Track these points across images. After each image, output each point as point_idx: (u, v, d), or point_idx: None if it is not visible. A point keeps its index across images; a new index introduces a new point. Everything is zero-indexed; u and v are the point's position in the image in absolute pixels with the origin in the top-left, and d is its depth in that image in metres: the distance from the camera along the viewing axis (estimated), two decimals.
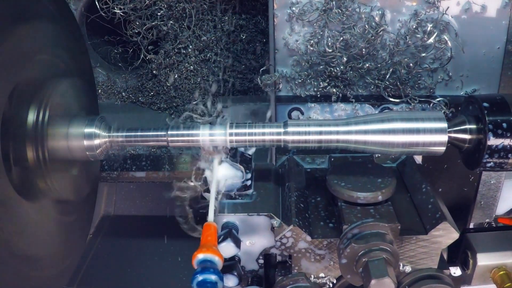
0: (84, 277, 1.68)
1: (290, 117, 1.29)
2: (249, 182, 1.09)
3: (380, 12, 1.22)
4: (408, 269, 1.03)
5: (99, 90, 1.78)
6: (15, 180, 0.94)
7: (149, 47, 1.68)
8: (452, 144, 1.02)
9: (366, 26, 1.22)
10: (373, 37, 1.21)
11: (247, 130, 1.01)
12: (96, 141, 1.06)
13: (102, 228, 1.92)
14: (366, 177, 1.05)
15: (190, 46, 1.64)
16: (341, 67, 1.24)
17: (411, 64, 1.25)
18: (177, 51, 1.66)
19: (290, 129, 1.00)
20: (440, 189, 1.43)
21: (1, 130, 0.89)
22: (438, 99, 1.27)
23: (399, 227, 0.97)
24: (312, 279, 1.04)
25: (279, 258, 1.08)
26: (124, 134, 1.06)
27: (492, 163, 1.00)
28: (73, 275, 1.24)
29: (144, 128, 1.03)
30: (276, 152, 1.24)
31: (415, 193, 1.11)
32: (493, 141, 0.97)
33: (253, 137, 1.01)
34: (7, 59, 0.91)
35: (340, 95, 1.28)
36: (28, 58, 0.99)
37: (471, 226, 1.53)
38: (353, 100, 1.27)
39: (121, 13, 1.58)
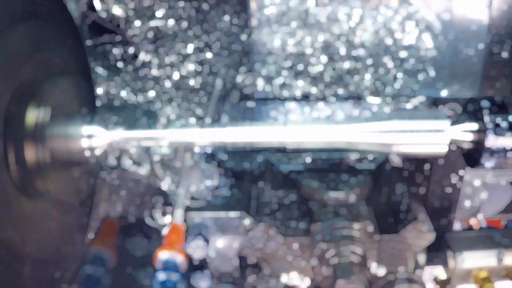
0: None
1: (269, 117, 1.30)
2: (222, 182, 1.09)
3: (359, 11, 1.22)
4: (381, 271, 1.02)
5: (99, 90, 1.78)
6: (15, 180, 0.94)
7: (149, 47, 1.68)
8: (452, 144, 1.02)
9: (345, 25, 1.21)
10: (352, 37, 1.21)
11: (246, 130, 1.01)
12: (96, 141, 1.06)
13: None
14: (340, 177, 1.05)
15: (190, 46, 1.64)
16: (320, 67, 1.24)
17: (391, 64, 1.25)
18: (177, 51, 1.66)
19: (290, 129, 1.00)
20: (423, 191, 1.42)
21: (3, 130, 0.89)
22: (418, 99, 1.27)
23: (371, 228, 0.97)
24: (284, 279, 1.04)
25: (252, 258, 1.08)
26: (124, 134, 1.06)
27: (492, 163, 1.00)
28: (73, 275, 1.24)
29: (144, 128, 1.03)
30: (253, 152, 1.24)
31: (391, 194, 1.12)
32: (493, 141, 0.97)
33: (253, 138, 1.01)
34: (8, 59, 0.91)
35: (320, 95, 1.28)
36: (28, 58, 0.99)
37: (457, 227, 1.53)
38: (333, 100, 1.27)
39: (121, 13, 1.58)
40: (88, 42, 1.77)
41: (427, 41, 1.22)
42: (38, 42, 1.04)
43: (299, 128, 1.00)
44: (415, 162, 1.37)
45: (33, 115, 0.98)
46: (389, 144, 0.98)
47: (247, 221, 1.00)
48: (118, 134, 1.05)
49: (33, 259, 1.02)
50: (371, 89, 1.27)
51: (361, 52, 1.22)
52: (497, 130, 0.96)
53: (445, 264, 1.31)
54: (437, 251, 1.36)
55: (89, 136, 1.05)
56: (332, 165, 1.14)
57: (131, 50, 1.73)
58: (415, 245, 0.99)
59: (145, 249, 1.03)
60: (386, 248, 0.99)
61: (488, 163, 0.99)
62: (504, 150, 0.97)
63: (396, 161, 1.20)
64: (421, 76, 1.27)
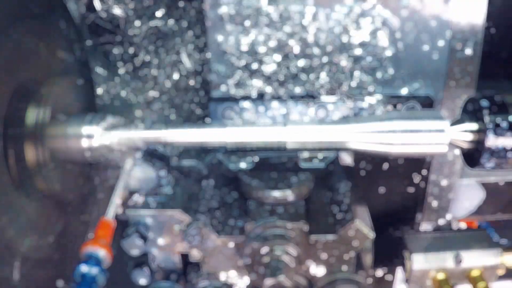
0: None
1: (223, 116, 1.28)
2: (165, 180, 1.09)
3: (313, 9, 1.21)
4: (320, 270, 1.01)
5: (99, 90, 1.78)
6: (15, 180, 0.94)
7: (149, 47, 1.68)
8: (452, 143, 1.02)
9: (299, 24, 1.21)
10: (305, 35, 1.21)
11: (246, 130, 1.01)
12: (96, 141, 1.06)
13: None
14: (282, 176, 1.05)
15: (190, 46, 1.65)
16: (274, 66, 1.23)
17: (345, 62, 1.24)
18: (177, 51, 1.66)
19: (290, 129, 1.00)
20: (382, 190, 1.41)
21: (3, 130, 0.89)
22: (375, 97, 1.27)
23: (307, 227, 0.96)
24: (222, 277, 1.04)
25: (192, 255, 1.08)
26: (124, 134, 1.06)
27: (492, 163, 1.00)
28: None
29: (144, 127, 1.03)
30: (202, 151, 1.23)
31: (335, 193, 1.11)
32: (493, 141, 0.98)
33: (252, 137, 1.01)
34: (8, 59, 0.91)
35: (275, 94, 1.28)
36: (28, 58, 0.99)
37: (420, 227, 1.53)
38: (286, 99, 1.27)
39: (121, 13, 1.58)
40: (88, 42, 1.78)
41: (385, 39, 1.21)
42: (38, 42, 1.04)
43: (299, 128, 1.00)
44: (374, 162, 1.35)
45: (33, 115, 0.98)
46: (389, 144, 0.98)
47: (184, 220, 1.00)
48: (118, 134, 1.05)
49: (33, 259, 1.02)
50: (327, 87, 1.25)
51: (315, 50, 1.21)
52: (497, 130, 0.96)
53: (403, 266, 1.31)
54: (397, 252, 1.35)
55: (89, 136, 1.05)
56: (279, 164, 1.13)
57: (131, 50, 1.73)
58: (354, 245, 0.97)
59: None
60: (324, 248, 0.97)
61: (488, 163, 0.99)
62: (504, 150, 0.97)
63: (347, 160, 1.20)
64: (379, 74, 1.25)
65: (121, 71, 1.81)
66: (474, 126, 1.01)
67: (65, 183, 1.10)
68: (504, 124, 0.97)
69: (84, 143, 1.05)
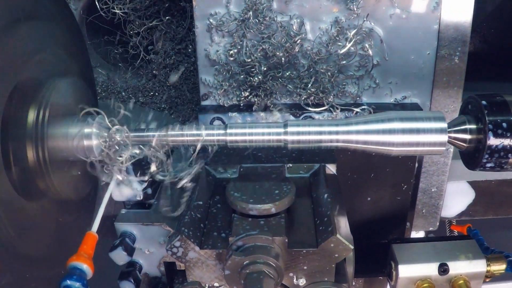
0: None
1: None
2: (150, 191, 1.09)
3: (298, 20, 1.21)
4: (302, 281, 1.01)
5: (99, 90, 1.79)
6: (15, 180, 0.94)
7: (149, 47, 1.69)
8: (452, 144, 1.02)
9: (285, 35, 1.21)
10: (291, 46, 1.21)
11: (247, 130, 1.01)
12: (96, 141, 1.06)
13: (102, 228, 1.91)
14: (265, 188, 1.04)
15: (190, 46, 1.65)
16: (260, 77, 1.23)
17: (329, 73, 1.23)
18: (177, 51, 1.67)
19: (290, 129, 1.00)
20: (369, 198, 1.41)
21: (1, 130, 0.89)
22: (362, 107, 1.26)
23: (286, 240, 0.95)
24: (207, 287, 1.04)
25: (178, 266, 1.08)
26: (124, 134, 1.06)
27: (492, 163, 1.00)
28: None
29: (144, 128, 1.03)
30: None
31: (317, 204, 1.09)
32: (493, 141, 0.97)
33: (253, 137, 1.01)
34: (7, 59, 0.91)
35: (262, 104, 1.28)
36: (28, 58, 0.99)
37: (414, 235, 1.51)
38: (273, 109, 1.27)
39: (121, 13, 1.58)
40: (88, 42, 1.77)
41: (372, 48, 1.20)
42: (39, 42, 1.04)
43: (299, 128, 1.00)
44: (359, 170, 1.35)
45: (33, 115, 0.99)
46: (388, 144, 0.98)
47: (168, 232, 1.01)
48: (117, 135, 1.05)
49: (33, 259, 1.02)
50: (314, 97, 1.25)
51: (302, 60, 1.21)
52: (498, 130, 0.96)
53: (389, 275, 1.30)
54: (384, 262, 1.36)
55: (89, 136, 1.05)
56: (263, 173, 1.12)
57: (131, 50, 1.73)
58: (335, 257, 0.96)
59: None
60: (306, 261, 0.97)
61: (489, 163, 0.99)
62: (505, 150, 0.97)
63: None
64: (366, 84, 1.25)
65: (121, 71, 1.82)
66: (474, 126, 1.01)
67: (65, 183, 1.10)
68: (504, 124, 0.97)
69: (85, 143, 1.05)
